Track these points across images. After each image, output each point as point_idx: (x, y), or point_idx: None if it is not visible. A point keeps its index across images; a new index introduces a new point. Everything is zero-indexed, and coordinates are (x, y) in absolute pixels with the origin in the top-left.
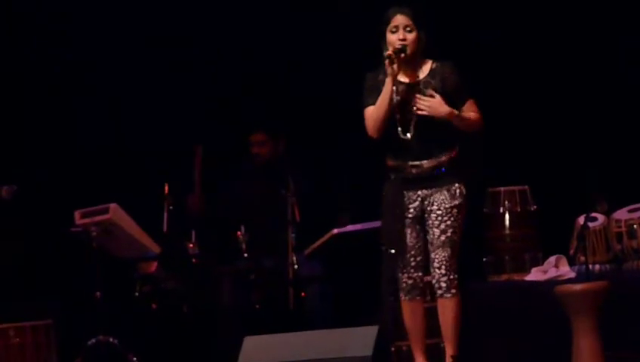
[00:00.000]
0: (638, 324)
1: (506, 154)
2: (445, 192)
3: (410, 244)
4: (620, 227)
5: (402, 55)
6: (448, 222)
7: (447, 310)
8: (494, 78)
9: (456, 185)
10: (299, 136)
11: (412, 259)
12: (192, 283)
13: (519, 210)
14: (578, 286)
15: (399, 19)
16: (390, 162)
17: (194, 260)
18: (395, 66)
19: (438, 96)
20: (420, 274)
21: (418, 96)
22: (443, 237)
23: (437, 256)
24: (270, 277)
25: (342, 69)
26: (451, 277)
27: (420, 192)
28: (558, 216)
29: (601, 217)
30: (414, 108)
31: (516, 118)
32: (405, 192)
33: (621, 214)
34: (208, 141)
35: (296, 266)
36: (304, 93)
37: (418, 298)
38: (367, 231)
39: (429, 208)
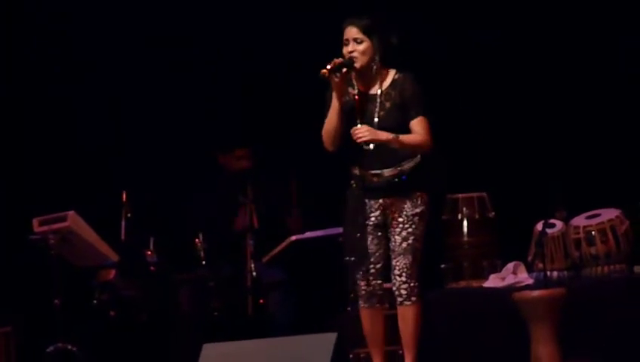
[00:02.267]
0: (596, 331)
1: (464, 161)
2: (407, 201)
3: (370, 251)
4: (578, 233)
5: (345, 69)
6: (410, 230)
7: (407, 318)
8: (452, 84)
9: (418, 193)
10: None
11: (372, 267)
12: (150, 290)
13: (477, 216)
14: (536, 293)
15: (348, 32)
16: (352, 170)
17: (152, 268)
18: (337, 81)
19: (364, 126)
20: (379, 281)
21: (353, 129)
22: (404, 245)
23: (398, 264)
24: (229, 284)
25: None
26: (412, 284)
27: (381, 201)
28: (517, 223)
29: (559, 224)
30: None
31: (473, 125)
32: (367, 201)
33: (579, 221)
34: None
35: (254, 273)
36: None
37: (377, 305)
38: (325, 238)
39: (390, 216)
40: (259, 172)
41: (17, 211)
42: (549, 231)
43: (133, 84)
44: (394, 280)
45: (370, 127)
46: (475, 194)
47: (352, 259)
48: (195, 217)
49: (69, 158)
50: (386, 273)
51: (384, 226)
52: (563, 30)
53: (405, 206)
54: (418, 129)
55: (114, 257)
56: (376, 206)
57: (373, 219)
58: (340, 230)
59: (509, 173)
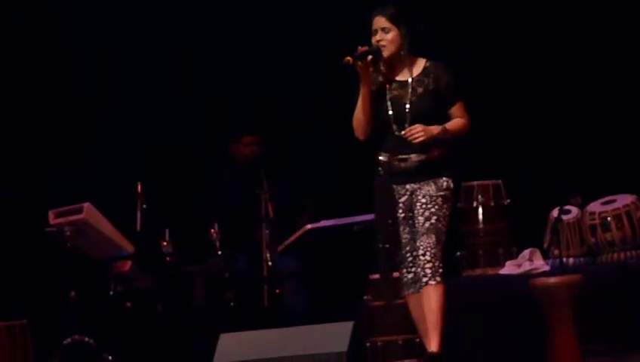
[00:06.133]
0: (612, 317)
1: (479, 149)
2: (432, 183)
3: (404, 241)
4: (593, 220)
5: (370, 57)
6: (433, 210)
7: (431, 298)
8: (466, 71)
9: (444, 178)
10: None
11: (409, 255)
12: (166, 281)
13: (493, 204)
14: (552, 280)
15: (377, 22)
16: (380, 157)
17: (168, 259)
18: (363, 69)
19: (418, 125)
20: (417, 270)
21: (405, 132)
22: (427, 224)
23: (421, 244)
24: (244, 274)
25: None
26: (436, 264)
27: (408, 186)
28: (532, 210)
29: (574, 210)
30: (408, 133)
31: (488, 112)
32: (394, 186)
33: (595, 207)
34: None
35: (270, 263)
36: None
37: (422, 290)
38: (341, 227)
39: (415, 199)
40: (272, 162)
41: (33, 204)
42: (564, 217)
43: (143, 74)
44: (418, 261)
45: (422, 125)
46: (490, 182)
47: (387, 246)
48: (210, 208)
49: (85, 150)
50: None
51: (412, 213)
52: (576, 16)
53: (429, 188)
54: (459, 114)
55: (129, 248)
56: (402, 191)
57: (401, 205)
58: (356, 219)
59: (524, 160)
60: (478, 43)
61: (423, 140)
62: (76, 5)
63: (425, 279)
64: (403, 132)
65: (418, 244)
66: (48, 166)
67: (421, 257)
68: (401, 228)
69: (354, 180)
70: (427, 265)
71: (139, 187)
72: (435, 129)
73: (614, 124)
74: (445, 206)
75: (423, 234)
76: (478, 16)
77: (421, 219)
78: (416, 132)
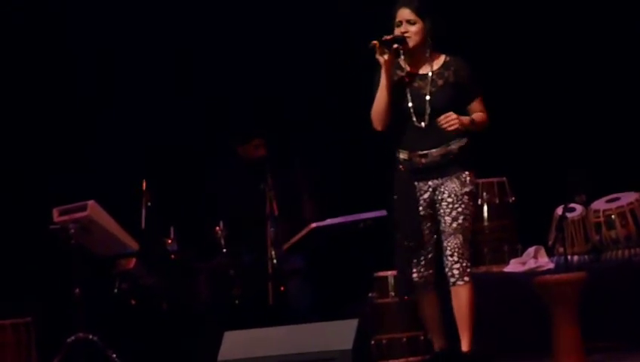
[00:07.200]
0: (616, 314)
1: (484, 146)
2: (455, 180)
3: (426, 239)
4: (598, 217)
5: (396, 46)
6: (459, 209)
7: (461, 298)
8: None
9: (466, 173)
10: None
11: (422, 257)
12: (170, 279)
13: (497, 201)
14: (557, 277)
15: (401, 14)
16: (400, 154)
17: (172, 256)
18: (385, 57)
19: (452, 113)
20: (431, 271)
21: (440, 119)
22: (455, 225)
23: (449, 244)
24: (249, 272)
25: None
26: (464, 264)
27: (430, 182)
28: (537, 207)
29: (579, 208)
30: (442, 121)
31: (493, 110)
32: (416, 183)
33: (599, 205)
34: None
35: (275, 261)
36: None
37: (433, 291)
38: (346, 225)
39: (439, 197)
40: (277, 160)
41: (37, 202)
42: (569, 215)
43: (143, 74)
44: (446, 261)
45: (455, 114)
46: (494, 179)
47: (410, 244)
48: (216, 205)
49: (87, 150)
50: (438, 260)
51: (434, 214)
52: (581, 14)
53: (454, 185)
54: (479, 108)
55: (134, 246)
56: (425, 187)
57: (422, 203)
58: (361, 216)
59: (529, 158)
60: (481, 40)
61: (456, 128)
62: (76, 5)
63: (453, 279)
64: (423, 124)
65: (445, 245)
66: (51, 165)
67: (449, 258)
68: (422, 225)
69: (357, 178)
70: (455, 266)
71: (144, 184)
72: (465, 119)
73: (618, 122)
74: (471, 203)
75: (450, 235)
76: (481, 13)
77: (448, 219)
78: (452, 119)
